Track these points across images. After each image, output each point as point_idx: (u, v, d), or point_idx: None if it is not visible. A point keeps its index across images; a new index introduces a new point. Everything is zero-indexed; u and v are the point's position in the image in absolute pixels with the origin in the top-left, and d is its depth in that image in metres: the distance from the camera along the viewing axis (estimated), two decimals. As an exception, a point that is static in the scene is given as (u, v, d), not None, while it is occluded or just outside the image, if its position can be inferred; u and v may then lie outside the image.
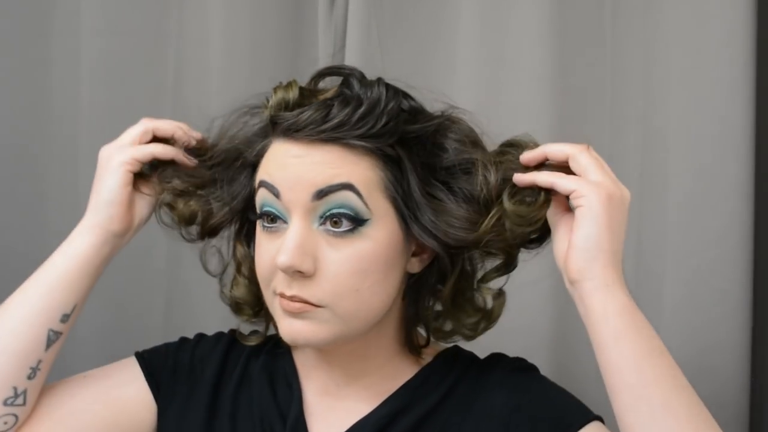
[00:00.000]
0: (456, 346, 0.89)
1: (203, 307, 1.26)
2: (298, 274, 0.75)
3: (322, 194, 0.75)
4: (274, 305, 0.79)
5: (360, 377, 0.84)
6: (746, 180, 1.10)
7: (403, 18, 1.23)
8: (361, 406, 0.83)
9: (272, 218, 0.78)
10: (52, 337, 0.82)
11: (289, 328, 0.77)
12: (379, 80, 0.79)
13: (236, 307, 0.91)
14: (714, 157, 1.11)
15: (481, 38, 1.19)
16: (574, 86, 1.18)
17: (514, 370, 0.86)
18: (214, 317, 1.12)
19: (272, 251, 0.77)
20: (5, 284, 1.28)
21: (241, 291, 0.89)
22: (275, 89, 0.80)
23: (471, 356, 0.89)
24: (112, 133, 1.29)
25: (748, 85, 1.09)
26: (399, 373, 0.85)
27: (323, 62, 1.23)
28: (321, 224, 0.76)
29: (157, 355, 0.90)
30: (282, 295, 0.77)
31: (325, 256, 0.76)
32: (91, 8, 1.28)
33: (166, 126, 0.87)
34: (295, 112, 0.77)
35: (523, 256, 0.84)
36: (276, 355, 0.90)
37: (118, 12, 1.28)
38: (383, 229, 0.77)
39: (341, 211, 0.75)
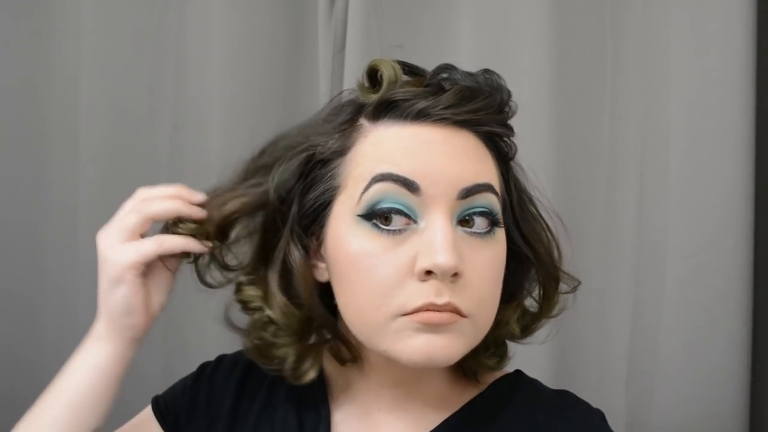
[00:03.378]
0: (518, 372, 0.78)
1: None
2: (450, 278, 0.65)
3: (468, 194, 0.66)
4: (393, 326, 0.66)
5: (404, 403, 0.74)
6: (746, 180, 1.10)
7: (403, 18, 1.23)
8: None
9: (386, 217, 0.66)
10: None
11: (427, 345, 0.65)
12: (487, 71, 0.72)
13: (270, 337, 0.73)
14: (714, 157, 1.12)
15: (482, 38, 1.19)
16: (574, 86, 1.18)
17: (587, 425, 0.73)
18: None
19: (399, 259, 0.65)
20: (5, 284, 1.30)
21: (279, 312, 0.71)
22: (374, 66, 0.71)
23: (532, 389, 0.77)
24: (112, 132, 1.31)
25: (748, 84, 1.10)
26: (445, 402, 0.74)
27: (323, 62, 1.23)
28: (457, 224, 0.67)
29: (173, 398, 0.81)
30: (427, 308, 0.64)
31: (469, 259, 0.66)
32: (91, 8, 1.28)
33: (163, 207, 0.71)
34: (424, 90, 0.68)
35: None
36: None
37: (118, 11, 1.28)
38: (503, 233, 0.70)
39: (482, 210, 0.67)
